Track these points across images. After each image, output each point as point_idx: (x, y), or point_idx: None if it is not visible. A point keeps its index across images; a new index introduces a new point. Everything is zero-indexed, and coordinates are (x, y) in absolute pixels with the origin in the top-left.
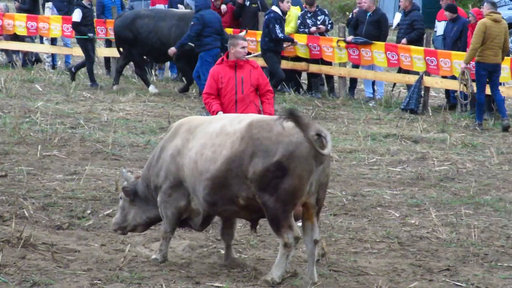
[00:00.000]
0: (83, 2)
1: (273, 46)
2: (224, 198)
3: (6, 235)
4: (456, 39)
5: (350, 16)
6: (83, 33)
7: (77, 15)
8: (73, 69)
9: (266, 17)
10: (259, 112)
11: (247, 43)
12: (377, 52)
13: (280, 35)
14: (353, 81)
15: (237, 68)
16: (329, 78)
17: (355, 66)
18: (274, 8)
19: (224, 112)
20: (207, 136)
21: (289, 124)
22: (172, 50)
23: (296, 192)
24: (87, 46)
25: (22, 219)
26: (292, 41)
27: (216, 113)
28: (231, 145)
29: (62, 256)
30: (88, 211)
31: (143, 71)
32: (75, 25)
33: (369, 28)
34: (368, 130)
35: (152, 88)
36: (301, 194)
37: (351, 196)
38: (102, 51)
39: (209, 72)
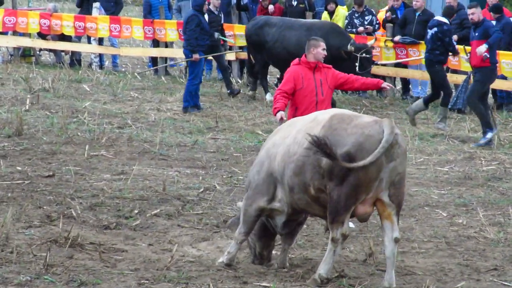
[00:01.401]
0: (210, 7)
1: (443, 60)
2: (300, 184)
3: (54, 235)
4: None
5: (385, 16)
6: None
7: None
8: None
9: (436, 29)
10: (373, 82)
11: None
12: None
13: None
14: (406, 83)
15: (315, 70)
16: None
17: (403, 65)
18: (441, 18)
19: (304, 114)
20: (303, 123)
21: (368, 119)
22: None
23: (360, 186)
24: (217, 51)
25: (70, 219)
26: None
27: (277, 111)
28: (315, 132)
29: (110, 256)
30: (136, 211)
31: (264, 79)
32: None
33: (418, 28)
34: (415, 130)
35: (269, 96)
36: (367, 190)
37: None
38: (150, 51)
39: (287, 71)
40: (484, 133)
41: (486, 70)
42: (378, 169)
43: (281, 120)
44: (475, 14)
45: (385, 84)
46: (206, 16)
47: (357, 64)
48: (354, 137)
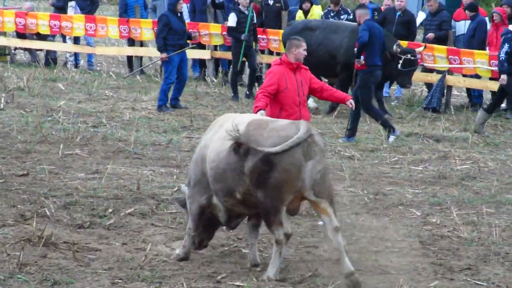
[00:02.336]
0: (240, 7)
1: None
2: (224, 189)
3: (27, 234)
4: (470, 37)
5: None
6: (238, 38)
7: (232, 20)
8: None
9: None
10: (341, 96)
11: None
12: None
13: None
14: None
15: (296, 70)
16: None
17: None
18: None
19: (288, 115)
20: (224, 130)
21: (284, 122)
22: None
23: (283, 187)
24: (252, 52)
25: (44, 218)
26: None
27: (258, 110)
28: (225, 141)
29: (83, 255)
30: (110, 210)
31: None
32: (230, 30)
33: (398, 28)
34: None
35: (310, 102)
36: (290, 190)
37: (373, 195)
38: (125, 50)
39: (270, 71)
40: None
41: (362, 73)
42: (298, 169)
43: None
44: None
45: (349, 102)
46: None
47: (400, 62)
48: (271, 140)
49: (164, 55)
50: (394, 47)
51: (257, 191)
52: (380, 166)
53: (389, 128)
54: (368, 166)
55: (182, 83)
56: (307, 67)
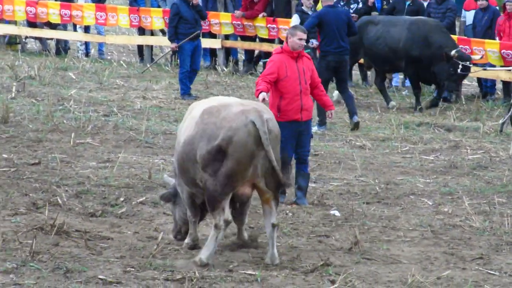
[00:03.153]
0: (303, 7)
1: None
2: (188, 180)
3: (40, 223)
4: (487, 28)
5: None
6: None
7: (294, 21)
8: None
9: None
10: (326, 103)
11: (305, 36)
12: None
13: None
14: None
15: (298, 58)
16: (362, 66)
17: None
18: None
19: (288, 104)
20: (189, 119)
21: (235, 109)
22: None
23: (234, 176)
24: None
25: (56, 207)
26: None
27: (260, 93)
28: (190, 129)
29: (95, 244)
30: (121, 199)
31: (381, 83)
32: None
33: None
34: (401, 119)
35: (392, 104)
36: (240, 178)
37: (384, 184)
38: (135, 39)
39: (270, 60)
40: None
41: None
42: (250, 158)
43: (263, 101)
44: None
45: (330, 113)
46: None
47: (460, 67)
48: (223, 131)
49: (174, 44)
50: (453, 51)
51: (207, 177)
52: (391, 155)
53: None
54: (379, 155)
55: (193, 72)
56: (309, 56)
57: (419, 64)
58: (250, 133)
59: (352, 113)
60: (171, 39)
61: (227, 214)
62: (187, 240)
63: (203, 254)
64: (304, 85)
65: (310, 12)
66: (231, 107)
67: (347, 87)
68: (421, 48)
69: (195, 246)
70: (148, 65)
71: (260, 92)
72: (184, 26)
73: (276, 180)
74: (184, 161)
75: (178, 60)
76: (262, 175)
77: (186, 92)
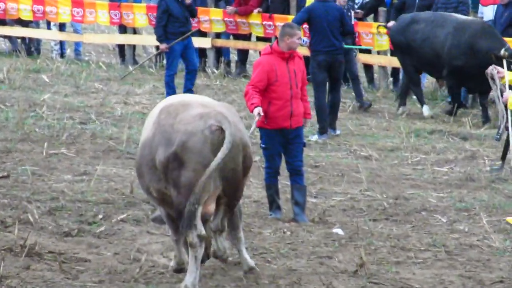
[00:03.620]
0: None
1: None
2: (144, 188)
3: (9, 243)
4: (507, 26)
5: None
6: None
7: None
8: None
9: None
10: (304, 110)
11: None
12: None
13: None
14: (396, 72)
15: (289, 59)
16: (368, 67)
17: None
18: None
19: (277, 110)
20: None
21: (194, 111)
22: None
23: (193, 187)
24: (351, 57)
25: (26, 225)
26: None
27: (255, 107)
28: (147, 130)
29: (71, 266)
30: (100, 216)
31: (418, 87)
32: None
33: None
34: (411, 126)
35: (426, 109)
36: (204, 190)
37: (393, 199)
38: (116, 38)
39: (258, 63)
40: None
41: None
42: (207, 167)
43: (258, 115)
44: None
45: (304, 121)
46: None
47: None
48: (179, 135)
49: (164, 45)
50: (502, 51)
51: (171, 189)
52: (401, 167)
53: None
54: (387, 167)
55: (193, 72)
56: (301, 55)
57: (463, 74)
58: (206, 139)
59: (331, 124)
60: (161, 40)
61: (200, 228)
62: (172, 263)
63: (188, 280)
64: (295, 90)
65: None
66: (190, 107)
67: (338, 89)
68: (466, 57)
69: (182, 269)
70: (131, 68)
71: (255, 107)
72: (174, 24)
73: (234, 187)
74: (140, 166)
75: (165, 61)
76: (221, 184)
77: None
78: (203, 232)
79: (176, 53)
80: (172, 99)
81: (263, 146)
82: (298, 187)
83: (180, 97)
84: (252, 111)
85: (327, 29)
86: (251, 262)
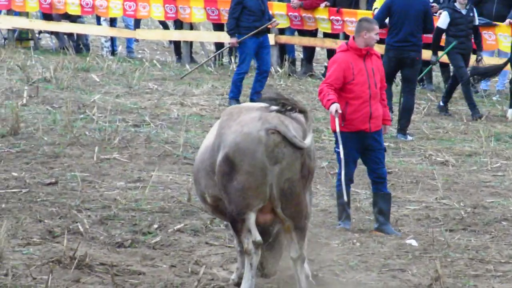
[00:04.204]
0: (456, 4)
1: None
2: (199, 194)
3: (57, 254)
4: None
5: None
6: (448, 43)
7: (443, 20)
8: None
9: None
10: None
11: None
12: (503, 35)
13: None
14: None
15: (366, 57)
16: (444, 66)
17: (475, 51)
18: None
19: (354, 111)
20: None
21: (255, 114)
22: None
23: (247, 191)
24: (457, 61)
25: (76, 235)
26: None
27: (332, 104)
28: (210, 134)
29: (124, 280)
30: (155, 226)
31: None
32: (437, 33)
33: (499, 8)
34: (491, 129)
35: (511, 112)
36: (257, 195)
37: (471, 208)
38: (171, 34)
39: (334, 60)
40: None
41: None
42: (262, 172)
43: (336, 113)
44: None
45: (384, 128)
46: None
47: None
48: (233, 136)
49: (235, 39)
50: None
51: (223, 194)
52: (480, 173)
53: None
54: (465, 173)
55: (264, 74)
56: (379, 54)
57: None
58: (261, 141)
59: (402, 130)
60: (231, 33)
61: (255, 234)
62: (233, 276)
63: None
64: (374, 89)
65: (463, 11)
66: (254, 110)
67: (411, 90)
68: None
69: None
70: (188, 67)
71: (332, 103)
72: (248, 18)
73: (293, 205)
74: (198, 171)
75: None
76: (278, 198)
77: (235, 97)
78: (258, 238)
79: (250, 50)
80: (243, 104)
81: (338, 150)
82: (382, 195)
83: (252, 104)
84: (328, 108)
85: (405, 23)
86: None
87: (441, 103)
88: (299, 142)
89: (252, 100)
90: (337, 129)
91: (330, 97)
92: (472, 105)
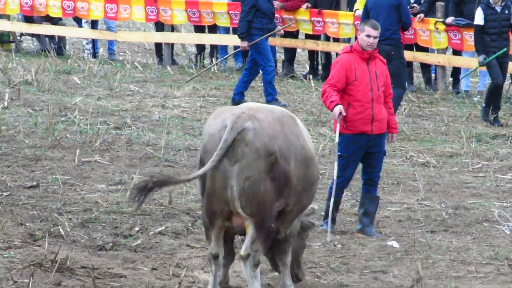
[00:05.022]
0: (490, 0)
1: None
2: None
3: (38, 257)
4: None
5: None
6: (489, 46)
7: (478, 16)
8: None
9: None
10: (388, 121)
11: (376, 32)
12: None
13: None
14: (456, 72)
15: (369, 60)
16: (425, 67)
17: (456, 52)
18: None
19: (357, 113)
20: None
21: (227, 114)
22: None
23: (212, 196)
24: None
25: (57, 238)
26: None
27: (335, 106)
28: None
29: (105, 283)
30: (136, 229)
31: None
32: (477, 31)
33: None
34: (472, 130)
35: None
36: (220, 200)
37: (452, 209)
38: (153, 36)
39: (336, 61)
40: None
41: None
42: (224, 175)
43: (340, 115)
44: None
45: (390, 136)
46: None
47: None
48: (204, 137)
49: (246, 43)
50: None
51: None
52: (461, 174)
53: None
54: (446, 174)
55: (252, 77)
56: (384, 60)
57: None
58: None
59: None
60: (243, 36)
61: (213, 246)
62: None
63: None
64: (377, 92)
65: (498, 8)
66: (231, 110)
67: (396, 84)
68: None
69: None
70: (169, 69)
71: (336, 105)
72: (261, 20)
73: (254, 204)
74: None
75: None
76: (238, 198)
77: (275, 98)
78: (214, 251)
79: (266, 48)
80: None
81: (339, 153)
82: (371, 197)
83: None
84: (332, 110)
85: (379, 18)
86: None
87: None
88: (221, 149)
89: (237, 100)
90: (337, 131)
91: (333, 99)
92: (487, 109)
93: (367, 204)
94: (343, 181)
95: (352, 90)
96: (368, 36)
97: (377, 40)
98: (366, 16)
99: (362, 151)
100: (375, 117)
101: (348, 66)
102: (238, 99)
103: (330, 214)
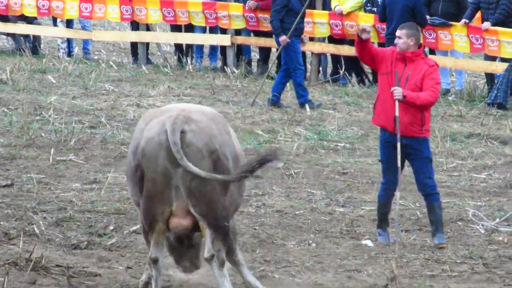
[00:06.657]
0: None
1: None
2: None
3: (13, 256)
4: None
5: None
6: None
7: None
8: None
9: None
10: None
11: (399, 32)
12: (458, 35)
13: None
14: None
15: (407, 62)
16: None
17: (432, 52)
18: None
19: (382, 106)
20: None
21: (164, 116)
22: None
23: (152, 198)
24: None
25: (32, 237)
26: None
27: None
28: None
29: (80, 281)
30: (111, 227)
31: None
32: None
33: (445, 6)
34: (447, 129)
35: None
36: (161, 201)
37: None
38: (128, 36)
39: (387, 48)
40: None
41: None
42: (165, 177)
43: (364, 31)
44: None
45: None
46: None
47: None
48: (141, 142)
49: (284, 37)
50: None
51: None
52: (435, 173)
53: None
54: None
55: (288, 78)
56: (433, 64)
57: None
58: (162, 144)
59: None
60: (278, 33)
61: (152, 251)
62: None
63: None
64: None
65: None
66: (166, 112)
67: None
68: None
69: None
70: (144, 68)
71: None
72: (292, 19)
73: (205, 202)
74: (126, 174)
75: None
76: (187, 197)
77: (307, 99)
78: (153, 255)
79: (298, 49)
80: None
81: (379, 159)
82: (426, 205)
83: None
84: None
85: (394, 16)
86: (257, 285)
87: None
88: (177, 152)
89: (274, 101)
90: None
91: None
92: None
93: (429, 214)
94: (386, 187)
95: (382, 80)
96: (397, 37)
97: (401, 40)
98: (383, 10)
99: (386, 148)
100: (399, 119)
101: (390, 55)
102: (275, 100)
103: (396, 217)
